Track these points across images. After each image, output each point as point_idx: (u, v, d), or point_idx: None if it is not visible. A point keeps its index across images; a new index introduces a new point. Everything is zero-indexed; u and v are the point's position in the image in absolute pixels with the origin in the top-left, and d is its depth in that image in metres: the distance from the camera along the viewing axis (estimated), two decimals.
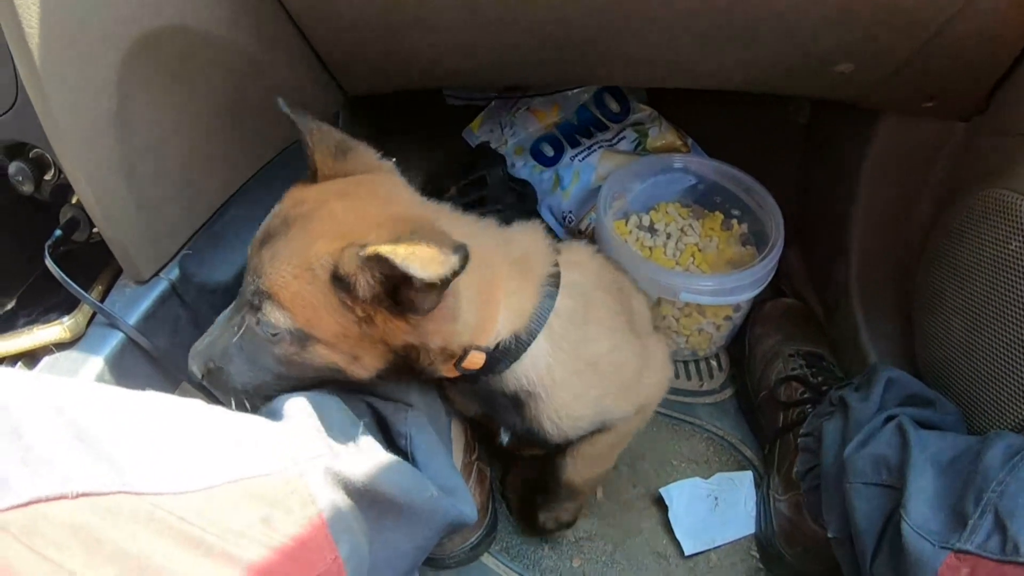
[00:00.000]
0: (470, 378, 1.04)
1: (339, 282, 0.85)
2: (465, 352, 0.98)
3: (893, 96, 1.45)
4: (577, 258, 1.19)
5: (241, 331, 0.94)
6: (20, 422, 0.62)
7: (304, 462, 0.83)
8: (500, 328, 1.00)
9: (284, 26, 1.29)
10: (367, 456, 0.94)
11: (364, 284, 0.84)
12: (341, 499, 0.86)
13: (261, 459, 0.80)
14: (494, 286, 0.99)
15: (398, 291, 0.84)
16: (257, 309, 0.90)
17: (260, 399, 0.98)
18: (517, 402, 1.10)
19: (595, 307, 1.14)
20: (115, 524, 0.62)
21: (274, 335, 0.91)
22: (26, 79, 0.91)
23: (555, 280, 1.07)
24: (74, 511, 0.60)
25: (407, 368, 0.98)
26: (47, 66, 0.89)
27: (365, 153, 1.02)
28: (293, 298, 0.87)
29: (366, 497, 0.89)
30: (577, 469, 1.30)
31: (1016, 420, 1.15)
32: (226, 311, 0.98)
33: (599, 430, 1.21)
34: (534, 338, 1.03)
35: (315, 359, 0.93)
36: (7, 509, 0.56)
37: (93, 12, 0.94)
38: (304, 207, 0.92)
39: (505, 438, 1.25)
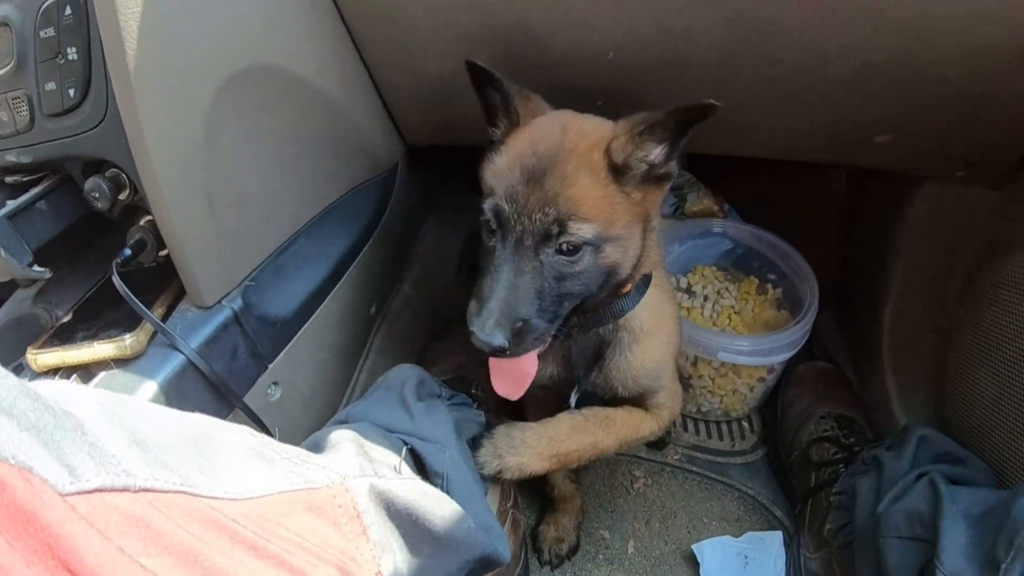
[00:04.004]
0: (590, 323, 1.20)
1: (615, 172, 1.03)
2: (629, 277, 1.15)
3: (929, 164, 1.49)
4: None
5: (541, 272, 1.02)
6: (84, 423, 0.63)
7: (351, 479, 0.88)
8: (648, 264, 1.19)
9: (361, 76, 1.38)
10: (409, 482, 0.98)
11: (635, 161, 1.03)
12: (383, 518, 0.89)
13: (310, 475, 0.84)
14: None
15: (651, 168, 1.05)
16: (559, 235, 1.00)
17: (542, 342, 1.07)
18: (609, 347, 1.27)
19: (672, 298, 1.39)
20: (173, 519, 0.64)
21: (573, 256, 1.03)
22: (120, 99, 0.97)
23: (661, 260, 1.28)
24: (135, 502, 0.62)
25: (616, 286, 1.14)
26: (143, 88, 0.94)
27: (539, 99, 1.15)
28: (592, 205, 1.01)
29: (407, 521, 0.92)
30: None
31: None
32: (485, 282, 1.03)
33: (638, 401, 1.35)
34: (648, 287, 1.23)
35: (603, 263, 1.06)
36: (73, 494, 0.57)
37: (195, 43, 1.01)
38: (544, 144, 1.03)
39: (574, 399, 1.34)
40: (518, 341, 1.01)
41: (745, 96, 1.24)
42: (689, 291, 1.95)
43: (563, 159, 1.01)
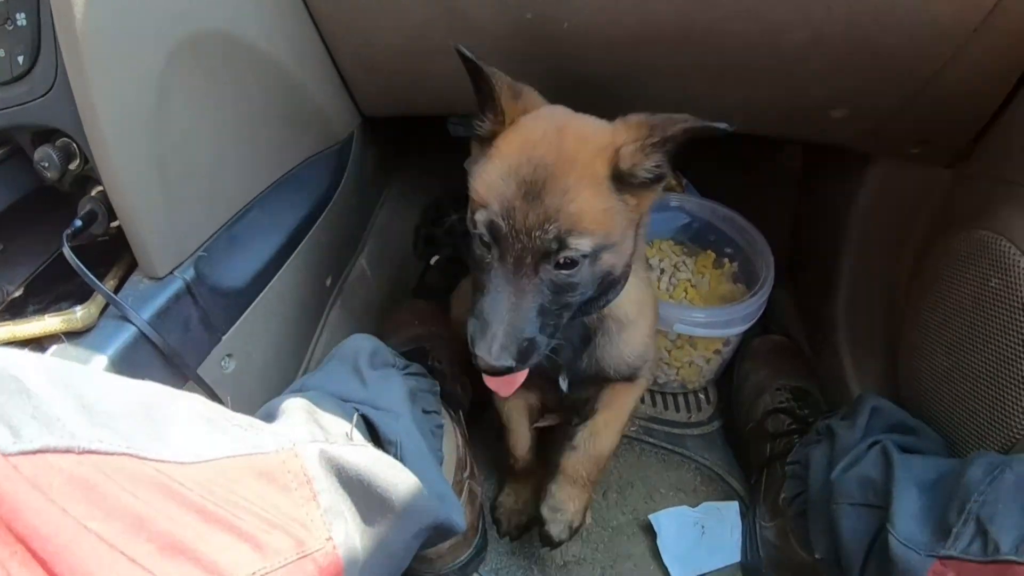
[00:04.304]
0: (576, 315, 1.15)
1: (617, 180, 1.01)
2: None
3: (883, 141, 1.51)
4: None
5: (541, 289, 1.00)
6: (30, 387, 0.63)
7: (301, 444, 0.86)
8: (636, 257, 1.19)
9: (315, 44, 1.36)
10: (360, 448, 0.97)
11: (641, 171, 1.00)
12: (335, 485, 0.88)
13: (260, 440, 0.83)
14: None
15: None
16: (558, 251, 0.98)
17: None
18: (595, 335, 1.27)
19: (650, 283, 1.40)
20: (119, 483, 0.63)
21: (571, 269, 1.00)
22: (69, 65, 0.94)
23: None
24: (80, 464, 0.61)
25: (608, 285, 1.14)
26: (93, 54, 0.92)
27: (531, 93, 1.09)
28: (593, 217, 0.98)
29: (358, 487, 0.91)
30: (611, 407, 1.44)
31: (997, 446, 1.19)
32: (485, 302, 1.02)
33: (623, 382, 1.37)
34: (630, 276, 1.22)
35: (600, 270, 1.05)
36: (17, 454, 0.57)
37: (145, 8, 0.98)
38: (540, 150, 0.99)
39: (565, 384, 1.34)
40: (522, 359, 1.01)
41: (698, 67, 1.24)
42: (647, 264, 1.95)
43: (563, 170, 0.97)
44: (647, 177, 1.02)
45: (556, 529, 1.39)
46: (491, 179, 1.00)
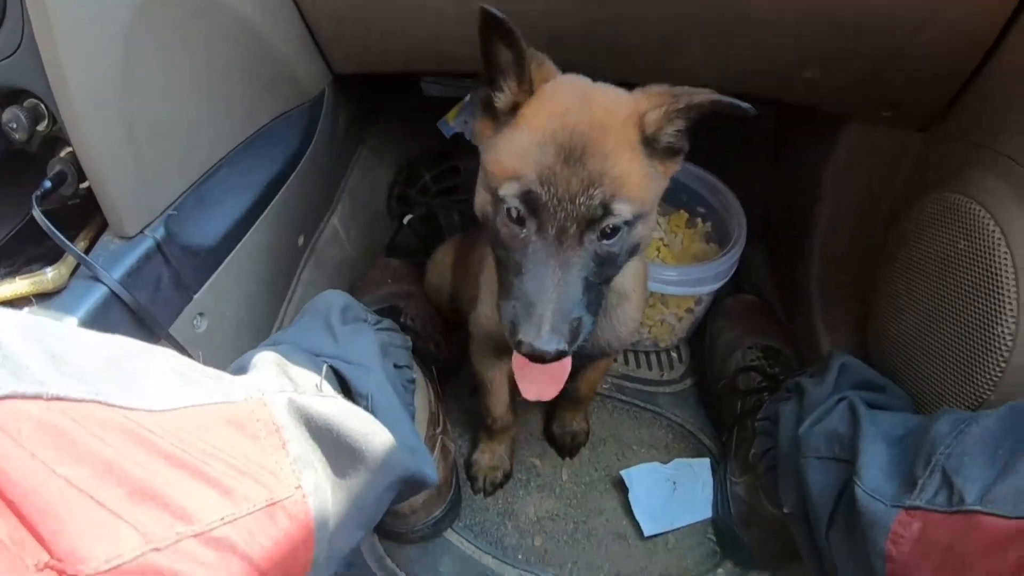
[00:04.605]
0: None
1: (647, 145, 0.97)
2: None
3: (856, 103, 1.52)
4: None
5: (586, 261, 0.95)
6: None
7: (270, 394, 0.86)
8: None
9: (284, 0, 1.34)
10: (330, 399, 0.96)
11: (664, 136, 0.98)
12: (304, 434, 0.88)
13: (229, 389, 0.83)
14: None
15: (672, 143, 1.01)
16: (602, 219, 0.93)
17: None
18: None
19: (643, 259, 1.36)
20: (88, 429, 0.63)
21: (614, 239, 0.96)
22: (36, 25, 0.92)
23: None
24: (48, 411, 0.61)
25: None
26: (59, 13, 0.90)
27: (548, 61, 1.03)
28: (634, 182, 0.95)
29: (328, 438, 0.91)
30: (589, 379, 1.59)
31: (964, 406, 1.21)
32: (525, 281, 0.94)
33: (605, 356, 1.37)
34: None
35: (633, 241, 1.00)
36: None
37: None
38: (572, 117, 0.94)
39: None
40: (572, 340, 0.93)
41: (670, 25, 1.23)
42: None
43: (600, 135, 0.93)
44: (670, 143, 0.99)
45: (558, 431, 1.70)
46: (522, 148, 0.95)
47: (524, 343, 0.91)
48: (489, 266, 1.29)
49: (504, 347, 1.33)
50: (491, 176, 0.97)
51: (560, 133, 0.93)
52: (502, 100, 1.00)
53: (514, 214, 0.95)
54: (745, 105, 0.91)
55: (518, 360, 1.06)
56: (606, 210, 0.92)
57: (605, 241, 0.95)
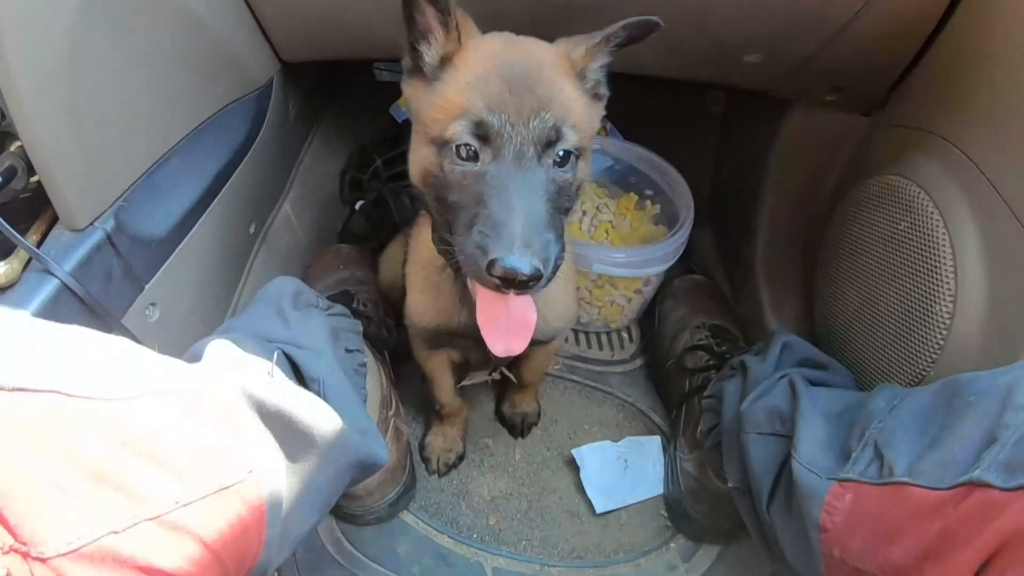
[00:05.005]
0: None
1: (581, 79, 1.03)
2: None
3: (799, 87, 1.55)
4: None
5: (546, 184, 0.94)
6: None
7: (221, 381, 0.89)
8: None
9: None
10: (280, 385, 0.98)
11: (591, 72, 1.04)
12: (255, 420, 0.90)
13: (181, 377, 0.84)
14: None
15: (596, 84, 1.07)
16: (555, 143, 0.95)
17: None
18: None
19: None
20: (48, 418, 0.66)
21: (567, 166, 0.98)
22: None
23: None
24: (10, 403, 0.64)
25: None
26: (3, 7, 0.89)
27: (471, 21, 1.04)
28: (578, 110, 0.99)
29: (279, 424, 0.93)
30: (532, 367, 1.62)
31: (904, 380, 1.25)
32: (490, 207, 0.90)
33: (544, 343, 1.37)
34: None
35: (576, 181, 1.02)
36: None
37: None
38: (510, 55, 0.99)
39: None
40: (545, 264, 0.88)
41: (611, 11, 1.25)
42: None
43: (541, 66, 0.97)
44: (597, 81, 1.05)
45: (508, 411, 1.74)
46: (464, 85, 0.96)
47: (496, 263, 0.86)
48: (413, 257, 1.32)
49: (438, 338, 1.35)
50: (433, 124, 0.98)
51: (502, 67, 0.96)
52: (431, 54, 1.01)
53: (464, 153, 0.95)
54: (654, 18, 0.97)
55: (483, 313, 1.02)
56: (558, 133, 0.94)
57: (559, 168, 0.97)
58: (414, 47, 1.02)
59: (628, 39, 1.02)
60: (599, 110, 1.09)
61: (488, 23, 1.06)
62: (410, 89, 1.07)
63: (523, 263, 0.85)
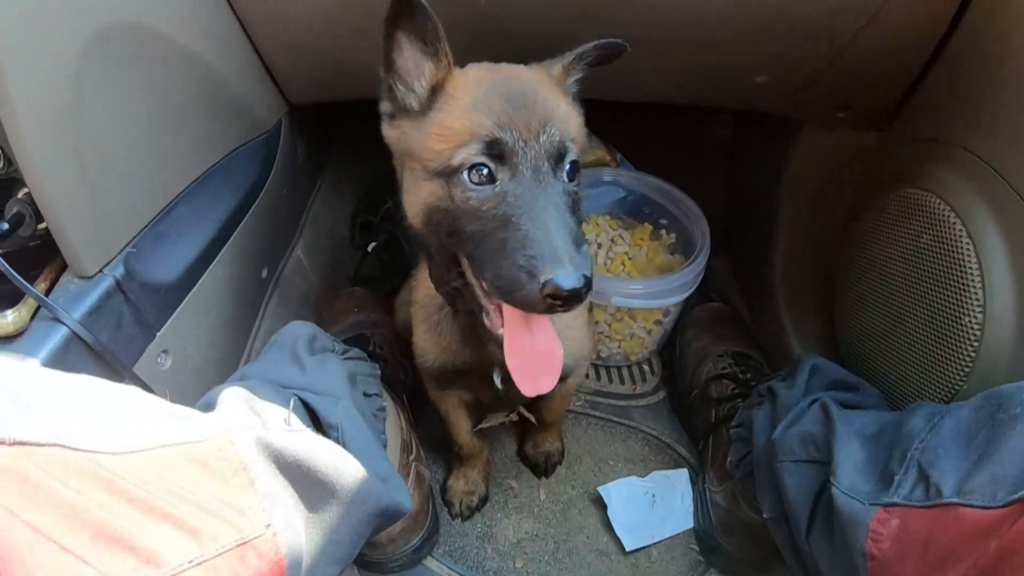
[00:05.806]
0: None
1: (567, 95, 1.05)
2: None
3: (808, 106, 1.54)
4: None
5: (566, 199, 0.92)
6: None
7: (235, 431, 0.84)
8: None
9: (234, 32, 1.33)
10: (298, 434, 0.95)
11: (570, 85, 1.09)
12: (272, 471, 0.87)
13: (194, 428, 0.81)
14: None
15: None
16: (564, 156, 0.95)
17: None
18: None
19: None
20: (52, 473, 0.63)
21: (575, 180, 0.98)
22: None
23: None
24: (10, 456, 0.61)
25: None
26: (6, 52, 0.88)
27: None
28: (573, 125, 1.00)
29: (298, 474, 0.90)
30: (551, 407, 1.58)
31: (937, 396, 1.21)
32: (522, 226, 0.88)
33: (561, 380, 1.26)
34: None
35: (581, 192, 1.01)
36: None
37: (55, 1, 0.95)
38: (503, 74, 1.00)
39: (499, 379, 1.24)
40: (589, 272, 0.85)
41: (620, 36, 1.25)
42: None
43: (537, 84, 0.97)
44: (573, 96, 1.08)
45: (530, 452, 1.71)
46: (465, 108, 0.94)
47: (551, 282, 0.82)
48: (415, 297, 1.31)
49: (445, 376, 1.32)
50: (435, 155, 0.95)
51: (499, 87, 0.96)
52: (419, 87, 1.00)
53: (478, 177, 0.92)
54: (619, 40, 1.02)
55: (511, 356, 0.99)
56: (564, 147, 0.95)
57: (570, 182, 0.96)
58: (390, 89, 1.01)
59: (598, 59, 1.06)
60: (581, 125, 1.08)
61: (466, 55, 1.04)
62: (395, 131, 1.05)
63: (576, 277, 0.82)
